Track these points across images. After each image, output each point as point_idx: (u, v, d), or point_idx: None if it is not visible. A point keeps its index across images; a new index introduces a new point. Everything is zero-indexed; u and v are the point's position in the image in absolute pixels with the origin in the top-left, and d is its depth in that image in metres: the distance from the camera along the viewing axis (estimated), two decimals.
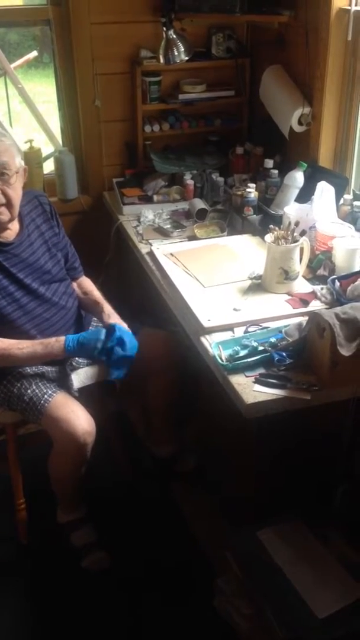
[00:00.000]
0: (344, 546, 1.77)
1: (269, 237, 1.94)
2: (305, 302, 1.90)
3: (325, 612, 1.59)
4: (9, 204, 1.94)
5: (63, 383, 2.04)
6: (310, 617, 1.58)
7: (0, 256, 1.95)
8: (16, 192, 1.95)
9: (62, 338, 1.97)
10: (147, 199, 2.65)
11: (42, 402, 1.93)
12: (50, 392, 1.96)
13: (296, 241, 1.91)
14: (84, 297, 2.26)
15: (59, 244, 2.16)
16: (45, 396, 1.94)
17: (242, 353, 1.68)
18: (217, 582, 1.86)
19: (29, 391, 1.97)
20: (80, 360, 2.13)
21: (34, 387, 1.97)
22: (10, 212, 1.96)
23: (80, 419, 1.92)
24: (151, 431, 2.46)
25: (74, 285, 2.27)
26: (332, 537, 1.79)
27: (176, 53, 2.51)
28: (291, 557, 1.72)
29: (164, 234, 2.44)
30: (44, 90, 5.12)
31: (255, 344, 1.70)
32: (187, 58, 2.54)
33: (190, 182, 2.64)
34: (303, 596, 1.63)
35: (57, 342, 1.97)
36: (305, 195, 2.25)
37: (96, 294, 2.27)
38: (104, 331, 1.98)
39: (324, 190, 2.13)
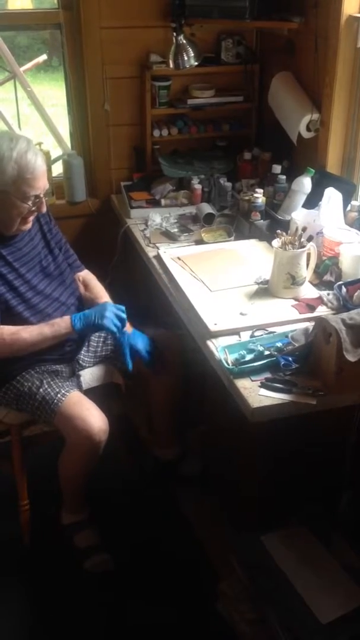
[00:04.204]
0: (348, 552, 1.77)
1: (276, 242, 1.94)
2: (311, 308, 1.90)
3: (329, 617, 1.60)
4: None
5: (70, 383, 2.05)
6: (313, 622, 1.58)
7: (5, 250, 1.96)
8: None
9: (68, 316, 1.98)
10: (154, 203, 2.65)
11: (55, 400, 1.94)
12: (63, 390, 1.97)
13: (303, 247, 1.92)
14: (85, 292, 2.25)
15: (54, 238, 2.17)
16: (59, 395, 1.95)
17: (248, 357, 1.69)
18: (221, 586, 1.85)
19: (40, 390, 1.97)
20: (87, 360, 2.13)
21: (46, 386, 1.98)
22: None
23: (95, 417, 1.93)
24: (155, 434, 2.46)
25: (78, 280, 2.26)
26: (336, 543, 1.79)
27: (186, 58, 2.52)
28: (295, 562, 1.73)
29: (171, 237, 2.44)
30: (53, 93, 5.15)
31: (261, 348, 1.70)
32: (196, 63, 2.55)
33: (198, 186, 2.64)
34: (307, 601, 1.63)
35: (63, 321, 1.97)
36: (312, 201, 2.25)
37: (95, 291, 2.25)
38: (110, 303, 1.95)
39: (332, 196, 2.14)
